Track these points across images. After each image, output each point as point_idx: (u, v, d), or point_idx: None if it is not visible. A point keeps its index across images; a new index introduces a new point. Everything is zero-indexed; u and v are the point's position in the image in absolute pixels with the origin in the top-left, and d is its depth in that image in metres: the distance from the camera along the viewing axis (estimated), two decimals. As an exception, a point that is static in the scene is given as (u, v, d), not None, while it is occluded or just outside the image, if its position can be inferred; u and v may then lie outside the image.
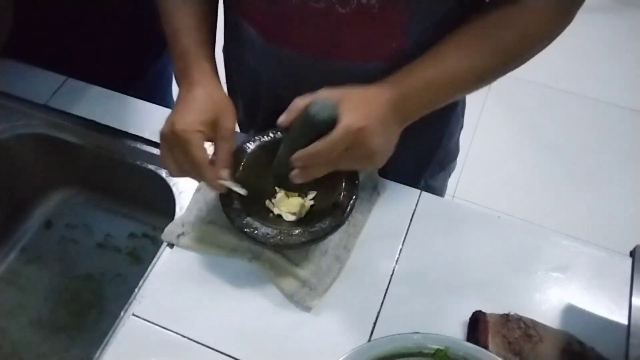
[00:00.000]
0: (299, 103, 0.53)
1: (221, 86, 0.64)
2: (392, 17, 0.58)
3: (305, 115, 0.51)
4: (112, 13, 0.91)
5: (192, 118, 0.58)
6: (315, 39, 0.62)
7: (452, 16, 0.59)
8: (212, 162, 0.60)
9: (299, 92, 0.70)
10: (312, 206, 0.67)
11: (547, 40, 0.58)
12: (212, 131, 0.59)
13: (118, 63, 0.94)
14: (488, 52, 0.57)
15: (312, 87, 0.68)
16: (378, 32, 0.59)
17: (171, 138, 0.58)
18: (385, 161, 0.58)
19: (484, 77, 0.59)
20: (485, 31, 0.57)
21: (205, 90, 0.61)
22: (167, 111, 0.83)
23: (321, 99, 0.51)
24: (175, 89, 1.17)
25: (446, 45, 0.58)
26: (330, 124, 0.50)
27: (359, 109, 0.52)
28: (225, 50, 0.81)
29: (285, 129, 0.56)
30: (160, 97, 1.08)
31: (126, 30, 0.94)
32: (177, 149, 0.58)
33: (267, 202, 0.68)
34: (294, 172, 0.55)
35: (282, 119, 0.55)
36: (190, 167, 0.59)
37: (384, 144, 0.55)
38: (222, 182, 0.60)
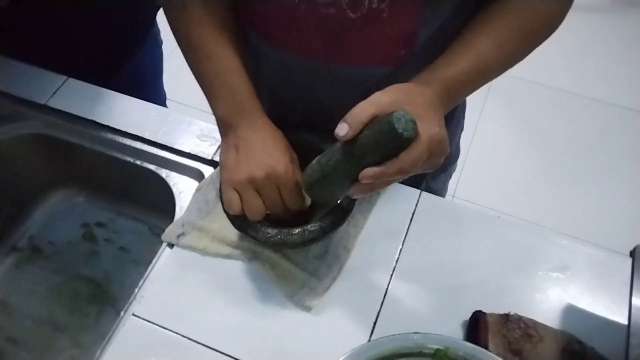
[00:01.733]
0: (362, 115, 0.48)
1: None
2: (402, 22, 0.58)
3: (388, 131, 0.46)
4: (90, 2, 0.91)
5: (286, 158, 0.60)
6: (324, 45, 0.61)
7: (457, 16, 0.59)
8: None
9: (303, 97, 0.70)
10: (311, 205, 0.67)
11: (559, 23, 0.59)
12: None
13: (96, 52, 0.94)
14: (516, 38, 0.57)
15: (317, 92, 0.67)
16: (387, 37, 0.59)
17: (268, 181, 0.58)
18: None
19: (511, 62, 0.59)
20: (514, 18, 0.57)
21: (275, 130, 0.62)
22: (167, 111, 0.83)
23: (402, 113, 0.46)
24: (167, 86, 1.18)
25: (479, 34, 0.57)
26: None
27: (429, 118, 0.50)
28: None
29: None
30: (142, 88, 1.05)
31: (104, 19, 0.94)
32: (271, 190, 0.59)
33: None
34: (357, 188, 0.51)
35: (346, 132, 0.48)
36: (283, 202, 0.60)
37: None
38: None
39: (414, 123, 0.46)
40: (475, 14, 0.59)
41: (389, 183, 0.50)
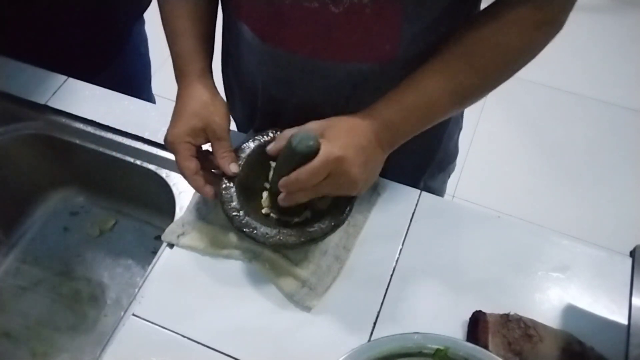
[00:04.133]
0: (287, 133, 0.57)
1: (212, 85, 0.66)
2: (386, 18, 0.58)
3: (287, 146, 0.55)
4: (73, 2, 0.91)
5: (179, 129, 0.62)
6: (309, 39, 0.62)
7: (445, 18, 0.59)
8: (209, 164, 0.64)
9: (294, 93, 0.70)
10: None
11: (528, 55, 0.58)
12: (203, 135, 0.63)
13: (78, 52, 0.94)
14: (466, 71, 0.57)
15: (307, 88, 0.68)
16: (372, 33, 0.59)
17: (168, 148, 0.63)
18: (369, 187, 0.61)
19: (465, 96, 0.59)
20: (463, 51, 0.57)
21: (194, 94, 0.64)
22: (167, 111, 0.83)
23: (304, 131, 0.55)
24: (167, 86, 1.17)
25: (425, 70, 0.59)
26: (311, 154, 0.54)
27: (338, 140, 0.55)
28: (224, 51, 0.81)
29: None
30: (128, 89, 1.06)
31: (87, 20, 0.94)
32: (176, 156, 0.63)
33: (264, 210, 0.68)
34: (280, 196, 0.59)
35: (270, 147, 0.59)
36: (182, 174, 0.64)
37: (364, 172, 0.57)
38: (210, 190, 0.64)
39: (313, 141, 0.54)
40: (457, 27, 0.59)
41: (305, 195, 0.57)
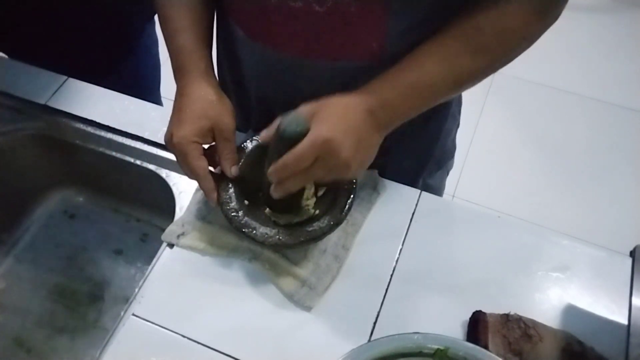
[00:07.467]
0: (279, 120, 0.55)
1: (216, 84, 0.65)
2: (371, 17, 0.57)
3: (276, 131, 0.53)
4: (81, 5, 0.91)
5: (187, 129, 0.60)
6: (296, 38, 0.62)
7: (432, 16, 0.59)
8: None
9: (285, 92, 0.70)
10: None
11: (528, 41, 0.57)
12: (210, 135, 0.62)
13: (87, 53, 0.94)
14: (465, 54, 0.57)
15: (296, 87, 0.68)
16: (357, 32, 0.59)
17: (172, 149, 0.62)
18: (364, 169, 0.58)
19: (463, 79, 0.59)
20: (463, 33, 0.57)
21: (200, 92, 0.63)
22: (167, 111, 0.83)
23: (292, 114, 0.52)
24: (167, 86, 1.17)
25: (423, 50, 0.58)
26: (300, 139, 0.52)
27: (328, 121, 0.53)
28: (219, 51, 0.81)
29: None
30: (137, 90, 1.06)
31: (97, 20, 0.94)
32: (179, 159, 0.62)
33: (267, 210, 0.67)
34: (272, 188, 0.56)
35: (262, 135, 0.57)
36: (192, 176, 0.63)
37: (357, 153, 0.54)
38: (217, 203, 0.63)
39: (300, 123, 0.51)
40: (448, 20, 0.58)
41: (296, 181, 0.54)
